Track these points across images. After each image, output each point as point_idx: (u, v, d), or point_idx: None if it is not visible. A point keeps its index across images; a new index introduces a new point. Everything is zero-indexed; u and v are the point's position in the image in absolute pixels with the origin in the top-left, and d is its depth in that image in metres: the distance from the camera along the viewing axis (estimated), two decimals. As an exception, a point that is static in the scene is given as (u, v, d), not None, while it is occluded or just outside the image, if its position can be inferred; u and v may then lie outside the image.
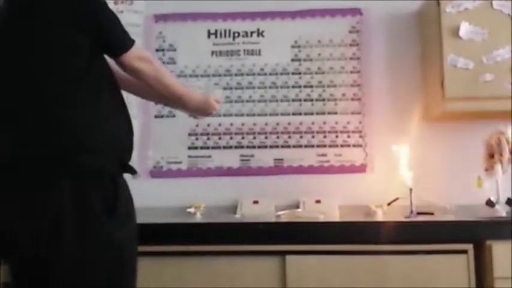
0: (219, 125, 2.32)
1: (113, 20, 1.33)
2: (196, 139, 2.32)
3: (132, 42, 1.35)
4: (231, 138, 2.32)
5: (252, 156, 2.31)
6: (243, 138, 2.32)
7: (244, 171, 2.29)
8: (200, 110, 1.56)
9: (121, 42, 1.33)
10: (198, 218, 2.10)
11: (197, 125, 2.31)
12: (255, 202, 2.18)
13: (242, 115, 2.33)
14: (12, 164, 1.18)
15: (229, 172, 2.29)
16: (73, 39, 1.24)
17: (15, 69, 1.23)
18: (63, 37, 1.23)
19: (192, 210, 2.13)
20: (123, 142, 1.32)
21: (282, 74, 2.33)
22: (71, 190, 1.16)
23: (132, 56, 1.33)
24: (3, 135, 1.21)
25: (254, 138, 2.32)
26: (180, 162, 2.30)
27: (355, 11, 2.34)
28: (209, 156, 2.31)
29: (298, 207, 2.17)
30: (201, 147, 2.31)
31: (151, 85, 1.41)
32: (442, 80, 2.01)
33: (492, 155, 1.96)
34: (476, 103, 1.96)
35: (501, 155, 1.93)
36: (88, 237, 1.17)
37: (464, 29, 2.02)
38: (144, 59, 1.36)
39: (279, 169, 2.29)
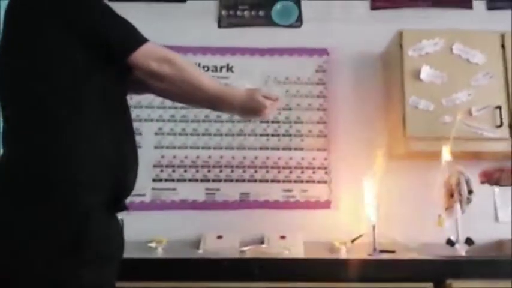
0: (185, 157, 2.30)
1: (108, 20, 1.17)
2: (162, 171, 2.29)
3: (141, 40, 1.17)
4: (197, 171, 2.30)
5: (218, 189, 2.29)
6: (209, 171, 2.30)
7: (209, 205, 2.27)
8: (248, 110, 1.30)
9: (121, 41, 1.16)
10: (160, 253, 2.04)
11: (162, 157, 2.28)
12: (219, 237, 2.15)
13: (209, 148, 2.32)
14: None
15: (194, 205, 2.26)
16: (63, 51, 1.12)
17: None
18: (49, 49, 1.12)
19: (153, 244, 2.06)
20: (109, 172, 1.12)
21: (250, 108, 2.35)
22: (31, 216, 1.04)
23: (143, 55, 1.16)
24: None
25: (220, 171, 2.30)
26: (144, 195, 2.25)
27: (322, 51, 2.41)
28: (174, 189, 2.28)
29: (262, 242, 2.15)
30: (166, 180, 2.28)
31: (177, 88, 1.23)
32: (404, 120, 2.08)
33: (452, 195, 2.02)
34: (436, 143, 2.03)
35: (460, 194, 1.99)
36: (34, 275, 1.03)
37: (425, 72, 2.11)
38: (162, 59, 1.18)
39: (244, 203, 2.27)
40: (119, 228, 1.20)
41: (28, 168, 1.08)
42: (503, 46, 2.15)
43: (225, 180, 2.29)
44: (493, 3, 2.49)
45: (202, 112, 2.35)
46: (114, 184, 1.14)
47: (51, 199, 1.06)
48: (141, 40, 1.18)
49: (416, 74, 2.10)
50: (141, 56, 1.16)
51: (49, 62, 1.12)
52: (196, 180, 2.29)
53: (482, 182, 1.75)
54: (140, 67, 1.18)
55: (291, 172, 2.31)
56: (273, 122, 2.35)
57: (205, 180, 2.29)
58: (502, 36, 2.16)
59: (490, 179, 1.71)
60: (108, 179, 1.12)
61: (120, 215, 1.21)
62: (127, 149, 1.19)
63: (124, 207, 1.21)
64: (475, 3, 2.48)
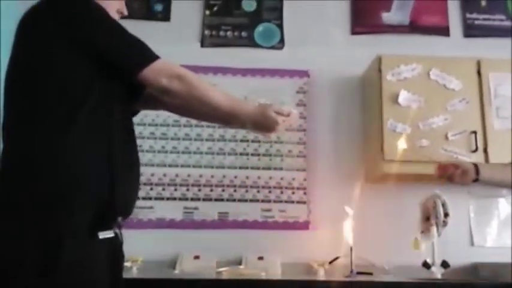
0: (164, 175, 2.29)
1: (116, 38, 1.17)
2: (139, 189, 2.25)
3: (151, 57, 1.17)
4: (175, 189, 2.28)
5: (196, 208, 2.27)
6: (187, 190, 2.28)
7: (186, 224, 2.24)
8: (260, 126, 1.28)
9: (131, 59, 1.16)
10: (134, 273, 2.00)
11: (141, 174, 2.25)
12: (196, 257, 2.12)
13: (188, 166, 2.31)
14: None
15: (171, 225, 2.23)
16: (69, 68, 1.12)
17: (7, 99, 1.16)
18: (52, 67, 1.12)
19: (128, 264, 2.02)
20: (94, 189, 1.09)
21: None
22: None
23: (154, 72, 1.16)
24: None
25: (199, 190, 2.29)
26: (120, 213, 2.22)
27: (303, 73, 2.44)
28: (151, 208, 2.25)
29: (240, 263, 2.13)
30: (143, 198, 2.25)
31: (188, 104, 1.24)
32: (381, 143, 2.11)
33: (428, 218, 2.03)
34: (413, 166, 2.05)
35: (436, 217, 2.01)
36: None
37: (403, 96, 2.15)
38: (172, 76, 1.17)
39: (223, 223, 2.26)
40: (105, 249, 1.13)
41: (12, 181, 1.07)
42: (479, 73, 2.21)
43: (204, 199, 2.28)
44: (470, 30, 2.57)
45: (181, 130, 2.34)
46: (99, 201, 1.10)
47: (25, 219, 1.04)
48: (151, 57, 1.18)
49: (394, 98, 2.14)
50: (152, 72, 1.16)
51: (53, 78, 1.12)
52: (174, 199, 2.27)
53: (438, 176, 1.73)
54: (151, 84, 1.19)
55: (270, 192, 2.31)
56: (253, 141, 2.35)
57: (183, 198, 2.27)
58: (478, 63, 2.22)
59: (444, 173, 1.71)
60: (92, 195, 1.09)
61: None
62: (118, 166, 1.14)
63: (116, 226, 1.17)
64: (452, 31, 2.55)
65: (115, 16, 1.29)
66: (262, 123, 1.26)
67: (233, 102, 1.27)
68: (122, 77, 1.18)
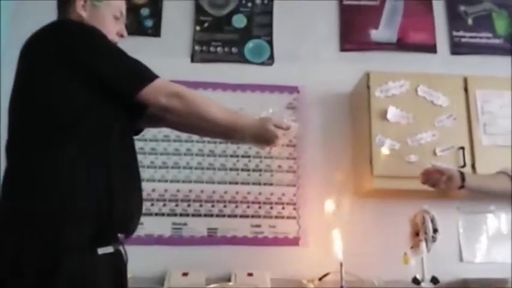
0: (153, 190, 2.27)
1: (114, 63, 1.20)
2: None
3: (149, 78, 1.20)
4: (164, 205, 2.26)
5: (185, 224, 2.25)
6: (176, 205, 2.27)
7: (175, 240, 2.22)
8: (260, 139, 1.30)
9: (128, 81, 1.19)
10: (122, 289, 1.96)
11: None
12: (185, 274, 2.09)
13: (178, 181, 2.30)
14: None
15: (160, 241, 2.21)
16: (67, 91, 1.16)
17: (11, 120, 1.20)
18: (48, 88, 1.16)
19: (116, 280, 1.99)
20: (92, 205, 1.11)
21: (220, 142, 2.35)
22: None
23: (153, 92, 1.18)
24: None
25: (188, 205, 2.27)
26: (108, 229, 2.19)
27: (293, 89, 2.46)
28: (140, 223, 2.21)
29: (229, 280, 2.11)
30: (132, 214, 2.23)
31: (188, 121, 1.29)
32: (370, 159, 2.12)
33: (417, 233, 2.03)
34: (402, 182, 2.06)
35: (426, 233, 2.00)
36: None
37: (392, 112, 2.17)
38: (171, 94, 1.20)
39: (212, 239, 2.24)
40: (106, 265, 1.14)
41: (14, 197, 1.11)
42: (466, 89, 2.23)
43: (193, 215, 2.26)
44: (457, 48, 2.61)
45: (171, 145, 2.33)
46: (98, 217, 1.11)
47: (25, 233, 1.06)
48: (149, 77, 1.20)
49: (383, 114, 2.16)
50: (150, 92, 1.19)
51: (53, 102, 1.15)
52: (163, 215, 2.25)
53: (422, 182, 1.69)
54: (151, 103, 1.22)
55: (260, 207, 2.30)
56: (243, 156, 2.35)
57: (172, 214, 2.25)
58: (465, 80, 2.25)
59: (429, 178, 1.67)
60: (90, 212, 1.11)
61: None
62: (117, 183, 1.16)
63: (117, 242, 1.19)
64: (439, 48, 2.59)
65: (115, 38, 1.33)
66: (262, 137, 1.28)
67: (233, 116, 1.30)
68: (122, 99, 1.21)
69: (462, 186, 1.62)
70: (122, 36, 1.36)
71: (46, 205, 1.08)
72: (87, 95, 1.16)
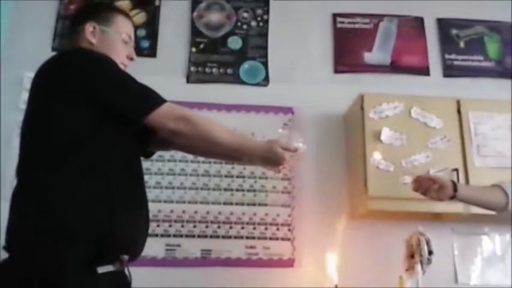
0: (147, 211, 2.25)
1: (122, 89, 1.23)
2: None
3: (157, 102, 1.23)
4: (158, 225, 2.24)
5: (179, 245, 2.23)
6: (170, 226, 2.25)
7: (168, 262, 2.19)
8: (268, 161, 1.33)
9: (136, 106, 1.22)
10: (113, 312, 1.93)
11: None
12: (177, 296, 2.07)
13: (171, 202, 2.28)
14: None
15: (153, 262, 2.18)
16: (75, 116, 1.20)
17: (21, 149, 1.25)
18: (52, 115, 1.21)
19: (107, 303, 1.96)
20: (92, 226, 1.12)
21: (215, 162, 2.35)
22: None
23: (161, 116, 1.22)
24: None
25: (182, 226, 2.25)
26: (100, 250, 2.17)
27: (288, 110, 2.47)
28: (133, 244, 2.20)
29: (223, 302, 2.08)
30: (125, 234, 2.20)
31: (196, 144, 1.33)
32: (365, 180, 2.12)
33: (412, 255, 2.02)
34: (397, 203, 2.06)
35: (421, 255, 2.00)
36: None
37: (385, 134, 2.18)
38: (179, 118, 1.23)
39: (205, 261, 2.21)
40: (106, 282, 1.15)
41: (18, 216, 1.15)
42: (459, 111, 2.26)
43: (187, 236, 2.24)
44: (449, 71, 2.64)
45: (165, 165, 2.33)
46: (100, 237, 1.13)
47: (28, 250, 1.10)
48: (157, 102, 1.24)
49: (377, 136, 2.17)
50: (158, 117, 1.22)
51: (59, 126, 1.19)
52: (156, 235, 2.22)
53: (413, 189, 1.66)
54: (159, 127, 1.26)
55: (254, 228, 2.28)
56: (237, 176, 2.35)
57: (165, 235, 2.23)
58: (458, 102, 2.27)
59: (420, 186, 1.63)
60: (92, 231, 1.12)
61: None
62: (120, 205, 1.17)
63: (119, 263, 1.19)
64: (432, 70, 2.62)
65: (125, 61, 1.39)
66: (270, 159, 1.32)
67: (240, 139, 1.34)
68: (130, 124, 1.25)
69: (454, 196, 1.60)
70: (131, 59, 1.41)
71: (46, 225, 1.10)
72: (95, 118, 1.20)
